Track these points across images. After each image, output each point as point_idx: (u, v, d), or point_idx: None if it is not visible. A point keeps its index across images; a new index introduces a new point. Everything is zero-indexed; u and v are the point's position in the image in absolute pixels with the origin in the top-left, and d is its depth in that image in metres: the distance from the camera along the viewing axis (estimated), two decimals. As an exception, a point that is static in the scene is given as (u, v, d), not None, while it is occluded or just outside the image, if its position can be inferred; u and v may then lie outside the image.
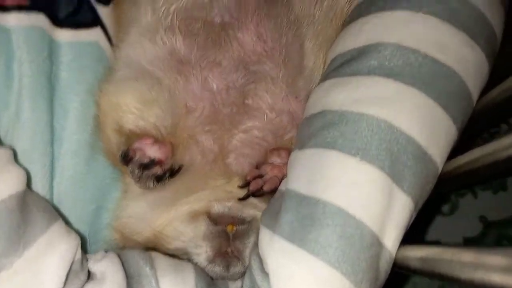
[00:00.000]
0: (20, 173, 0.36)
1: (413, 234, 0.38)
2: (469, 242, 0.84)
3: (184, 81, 0.45)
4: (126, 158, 0.41)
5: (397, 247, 0.35)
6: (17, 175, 0.36)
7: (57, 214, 0.38)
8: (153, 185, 0.42)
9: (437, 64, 0.37)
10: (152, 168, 0.41)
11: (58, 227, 0.36)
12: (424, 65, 0.37)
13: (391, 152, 0.35)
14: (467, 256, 0.26)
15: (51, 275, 0.33)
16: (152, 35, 0.46)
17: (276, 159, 0.45)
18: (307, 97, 0.45)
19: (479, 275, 0.24)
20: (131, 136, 0.42)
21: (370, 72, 0.38)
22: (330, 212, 0.34)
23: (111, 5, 0.49)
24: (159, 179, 0.42)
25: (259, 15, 0.46)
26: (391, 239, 0.35)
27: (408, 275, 0.78)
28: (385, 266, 0.35)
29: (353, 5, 0.48)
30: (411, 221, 0.37)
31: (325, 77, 0.43)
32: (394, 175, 0.34)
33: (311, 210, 0.35)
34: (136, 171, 0.41)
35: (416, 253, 0.34)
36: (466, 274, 0.26)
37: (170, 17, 0.46)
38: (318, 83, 0.44)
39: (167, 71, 0.45)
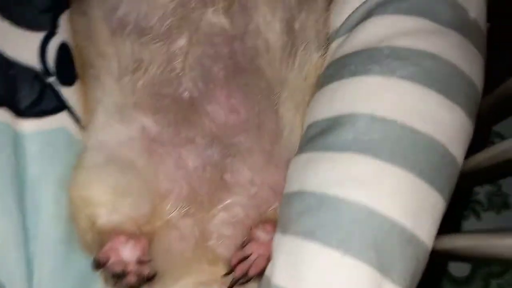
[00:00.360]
0: None
1: None
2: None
3: (157, 162, 0.43)
4: (97, 265, 0.39)
5: None
6: None
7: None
8: (130, 292, 0.40)
9: (416, 135, 0.35)
10: (125, 278, 0.39)
11: None
12: (402, 138, 0.35)
13: (375, 242, 0.33)
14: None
15: None
16: (120, 115, 0.44)
17: (261, 234, 0.43)
18: (288, 163, 0.43)
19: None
20: (104, 234, 0.40)
21: (346, 148, 0.36)
22: None
23: (75, 85, 0.47)
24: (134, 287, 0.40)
25: (228, 86, 0.44)
26: None
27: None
28: None
29: (326, 62, 0.46)
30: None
31: (302, 148, 0.41)
32: (382, 267, 0.32)
33: None
34: (110, 279, 0.39)
35: None
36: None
37: (137, 95, 0.44)
38: (296, 154, 0.42)
39: (139, 152, 0.43)
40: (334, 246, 0.33)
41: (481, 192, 0.85)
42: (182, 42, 0.44)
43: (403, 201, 0.34)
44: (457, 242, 0.41)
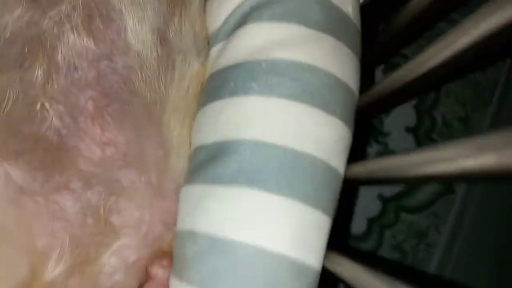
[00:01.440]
0: None
1: None
2: (372, 221, 0.88)
3: (30, 215, 0.38)
4: None
5: None
6: None
7: None
8: None
9: (298, 158, 0.35)
10: None
11: None
12: (285, 163, 0.34)
13: (268, 281, 0.33)
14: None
15: None
16: (-23, 162, 0.38)
17: (158, 271, 0.41)
18: (177, 191, 0.41)
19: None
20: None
21: (233, 180, 0.35)
22: None
23: None
24: None
25: (101, 118, 0.39)
26: None
27: None
28: None
29: (208, 70, 0.43)
30: None
31: (191, 176, 0.39)
32: None
33: None
34: None
35: None
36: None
37: (-5, 136, 0.38)
38: (186, 182, 0.40)
39: (7, 205, 0.38)
40: None
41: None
42: (37, 69, 0.38)
43: (291, 234, 0.34)
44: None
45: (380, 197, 0.88)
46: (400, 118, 0.89)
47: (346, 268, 0.40)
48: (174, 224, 0.41)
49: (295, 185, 0.35)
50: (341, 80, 0.38)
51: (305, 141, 0.35)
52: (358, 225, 0.87)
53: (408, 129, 0.88)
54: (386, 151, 0.88)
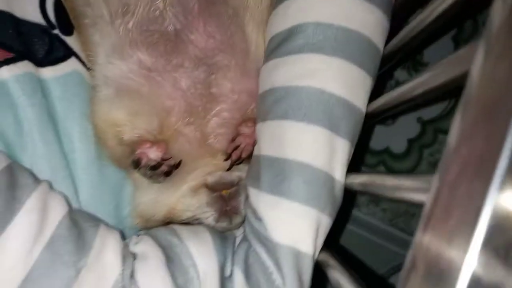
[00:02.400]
0: (62, 196, 0.47)
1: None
2: (412, 142, 1.00)
3: (157, 86, 0.55)
4: (136, 165, 0.52)
5: (344, 177, 0.49)
6: (60, 198, 0.46)
7: (97, 218, 0.50)
8: (163, 180, 0.53)
9: (348, 32, 0.48)
10: (160, 167, 0.52)
11: (104, 228, 0.48)
12: (338, 36, 0.48)
13: (326, 111, 0.47)
14: (389, 181, 0.39)
15: (113, 264, 0.45)
16: (119, 53, 0.54)
17: (245, 129, 0.56)
18: (258, 73, 0.56)
19: (399, 194, 0.38)
20: (131, 144, 0.53)
21: (300, 50, 0.49)
22: (294, 166, 0.47)
23: (74, 35, 0.56)
24: (167, 174, 0.53)
25: (204, 17, 0.55)
26: (339, 174, 0.48)
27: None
28: (339, 193, 0.49)
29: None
30: (351, 155, 0.50)
31: (267, 57, 0.53)
32: (332, 127, 0.47)
33: (281, 167, 0.47)
34: (148, 172, 0.52)
35: (356, 180, 0.47)
36: (390, 194, 0.39)
37: (130, 33, 0.54)
38: (263, 63, 0.55)
39: (140, 81, 0.55)
40: (300, 119, 0.47)
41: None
42: (157, -16, 0.54)
43: (344, 82, 0.48)
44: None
45: (420, 120, 1.00)
46: (440, 49, 0.99)
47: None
48: (255, 95, 0.56)
49: (346, 50, 0.48)
50: None
51: (353, 22, 0.48)
52: (398, 146, 1.00)
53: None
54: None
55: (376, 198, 0.95)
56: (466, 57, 0.29)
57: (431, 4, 0.43)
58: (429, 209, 0.27)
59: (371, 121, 0.52)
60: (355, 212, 1.00)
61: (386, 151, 1.00)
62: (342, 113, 0.48)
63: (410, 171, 1.00)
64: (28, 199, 0.42)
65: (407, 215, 0.99)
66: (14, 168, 0.45)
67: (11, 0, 0.51)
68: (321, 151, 0.47)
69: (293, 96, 0.48)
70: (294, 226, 0.46)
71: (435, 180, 0.27)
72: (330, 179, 0.47)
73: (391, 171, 1.00)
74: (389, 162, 1.01)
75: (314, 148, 0.47)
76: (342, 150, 0.48)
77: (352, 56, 0.48)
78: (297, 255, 0.46)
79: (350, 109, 0.48)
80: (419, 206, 0.30)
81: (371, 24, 0.50)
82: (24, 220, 0.40)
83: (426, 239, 0.26)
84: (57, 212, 0.44)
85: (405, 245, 1.01)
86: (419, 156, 1.02)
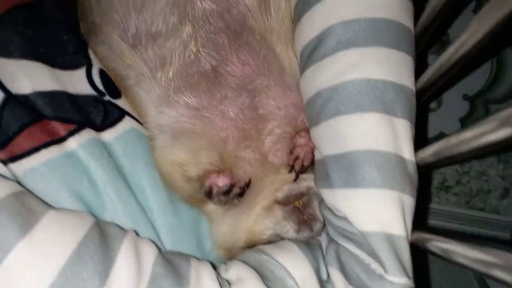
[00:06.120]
0: (149, 239, 0.49)
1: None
2: (464, 120, 0.98)
3: (208, 122, 0.58)
4: (209, 195, 0.54)
5: (413, 155, 0.49)
6: (148, 242, 0.49)
7: (186, 254, 0.52)
8: (238, 201, 0.55)
9: (376, 21, 0.49)
10: (232, 190, 0.54)
11: (195, 260, 0.49)
12: (368, 27, 0.49)
13: (377, 97, 0.48)
14: (464, 134, 0.39)
15: None
16: (166, 102, 0.58)
17: (300, 140, 0.58)
18: (297, 85, 0.58)
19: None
20: (199, 179, 0.55)
21: (334, 50, 0.50)
22: (361, 155, 0.47)
23: (122, 96, 0.61)
24: (240, 195, 0.55)
25: (235, 48, 0.58)
26: (407, 152, 0.48)
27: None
28: (413, 171, 0.48)
29: (292, 3, 0.60)
30: (414, 133, 0.50)
31: (304, 67, 0.55)
32: (387, 110, 0.47)
33: (348, 160, 0.48)
34: (222, 198, 0.54)
35: (427, 152, 0.47)
36: (467, 147, 0.39)
37: (172, 82, 0.58)
38: (301, 74, 0.57)
39: (192, 121, 0.58)
40: (354, 111, 0.48)
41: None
42: (188, 31, 0.58)
43: (385, 66, 0.49)
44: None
45: (466, 96, 0.98)
46: (463, 26, 0.99)
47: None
48: (301, 106, 0.58)
49: (378, 37, 0.49)
50: None
51: (379, 10, 0.50)
52: (451, 127, 0.98)
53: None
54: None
55: (452, 161, 0.92)
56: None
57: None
58: None
59: (422, 98, 0.52)
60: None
61: (441, 136, 0.98)
62: (393, 95, 0.48)
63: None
64: (121, 245, 0.44)
65: (481, 192, 0.96)
66: (100, 223, 0.48)
67: (62, 81, 0.56)
68: (383, 134, 0.47)
69: (341, 92, 0.49)
70: (378, 211, 0.46)
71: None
72: (400, 159, 0.47)
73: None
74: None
75: (375, 133, 0.47)
76: (404, 129, 0.48)
77: (387, 41, 0.49)
78: (390, 239, 0.45)
79: (399, 89, 0.49)
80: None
81: (394, 7, 0.51)
82: (123, 265, 0.43)
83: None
84: (149, 254, 0.46)
85: (487, 224, 0.97)
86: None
